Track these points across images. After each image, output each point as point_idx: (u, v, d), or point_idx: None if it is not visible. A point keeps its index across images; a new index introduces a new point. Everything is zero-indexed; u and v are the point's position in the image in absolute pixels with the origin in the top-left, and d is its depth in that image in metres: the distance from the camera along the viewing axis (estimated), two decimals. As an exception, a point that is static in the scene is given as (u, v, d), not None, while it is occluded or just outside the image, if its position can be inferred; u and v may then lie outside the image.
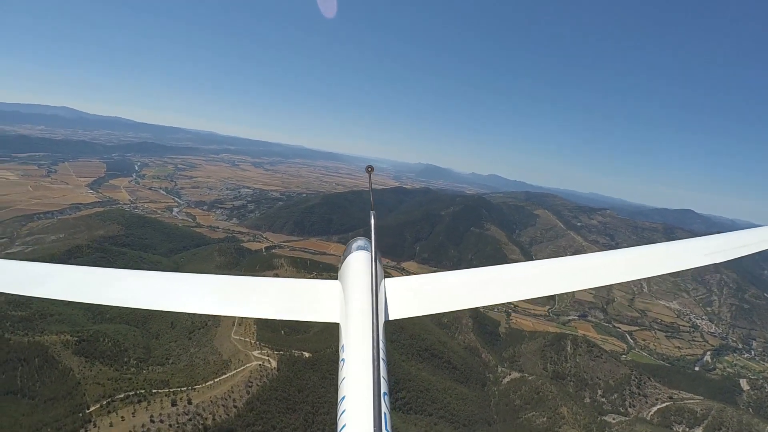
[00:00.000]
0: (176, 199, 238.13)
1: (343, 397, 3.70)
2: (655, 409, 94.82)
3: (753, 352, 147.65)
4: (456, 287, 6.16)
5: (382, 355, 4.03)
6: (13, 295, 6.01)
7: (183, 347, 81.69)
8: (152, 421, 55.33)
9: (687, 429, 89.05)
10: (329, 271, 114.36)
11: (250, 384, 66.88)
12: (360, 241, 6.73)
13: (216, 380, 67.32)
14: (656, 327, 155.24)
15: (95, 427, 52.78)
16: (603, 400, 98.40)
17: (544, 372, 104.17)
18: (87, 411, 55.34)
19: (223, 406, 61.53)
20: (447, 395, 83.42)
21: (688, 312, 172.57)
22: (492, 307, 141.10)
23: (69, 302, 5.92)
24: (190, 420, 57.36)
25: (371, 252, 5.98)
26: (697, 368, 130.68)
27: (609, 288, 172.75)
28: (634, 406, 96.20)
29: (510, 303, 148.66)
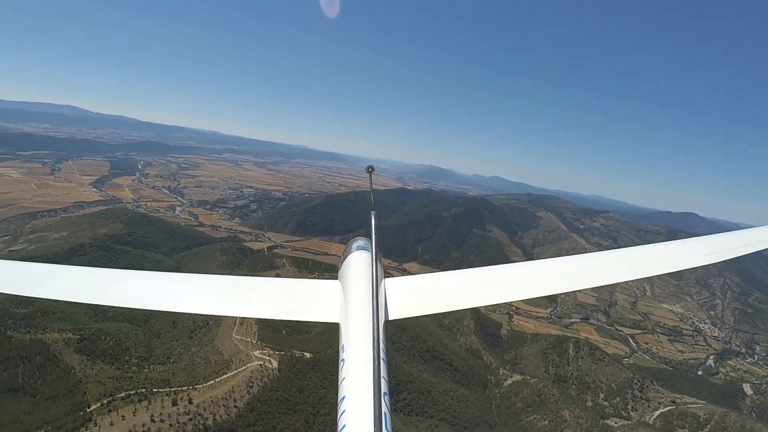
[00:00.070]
0: (179, 198, 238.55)
1: (344, 397, 3.69)
2: (657, 413, 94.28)
3: (756, 357, 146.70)
4: (456, 287, 6.16)
5: (382, 355, 4.05)
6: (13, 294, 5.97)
7: (184, 346, 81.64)
8: (153, 421, 55.26)
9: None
10: (331, 271, 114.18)
11: (251, 384, 66.79)
12: (360, 241, 6.74)
13: (217, 380, 67.26)
14: (659, 330, 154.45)
15: (96, 426, 52.76)
16: (605, 403, 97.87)
17: (546, 375, 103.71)
18: (88, 410, 55.32)
19: (223, 406, 61.44)
20: (448, 397, 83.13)
21: (691, 316, 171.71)
22: (494, 309, 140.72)
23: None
24: (190, 420, 57.28)
25: (371, 252, 5.99)
26: (700, 372, 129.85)
27: (611, 291, 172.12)
28: (636, 410, 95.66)
29: (512, 305, 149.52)
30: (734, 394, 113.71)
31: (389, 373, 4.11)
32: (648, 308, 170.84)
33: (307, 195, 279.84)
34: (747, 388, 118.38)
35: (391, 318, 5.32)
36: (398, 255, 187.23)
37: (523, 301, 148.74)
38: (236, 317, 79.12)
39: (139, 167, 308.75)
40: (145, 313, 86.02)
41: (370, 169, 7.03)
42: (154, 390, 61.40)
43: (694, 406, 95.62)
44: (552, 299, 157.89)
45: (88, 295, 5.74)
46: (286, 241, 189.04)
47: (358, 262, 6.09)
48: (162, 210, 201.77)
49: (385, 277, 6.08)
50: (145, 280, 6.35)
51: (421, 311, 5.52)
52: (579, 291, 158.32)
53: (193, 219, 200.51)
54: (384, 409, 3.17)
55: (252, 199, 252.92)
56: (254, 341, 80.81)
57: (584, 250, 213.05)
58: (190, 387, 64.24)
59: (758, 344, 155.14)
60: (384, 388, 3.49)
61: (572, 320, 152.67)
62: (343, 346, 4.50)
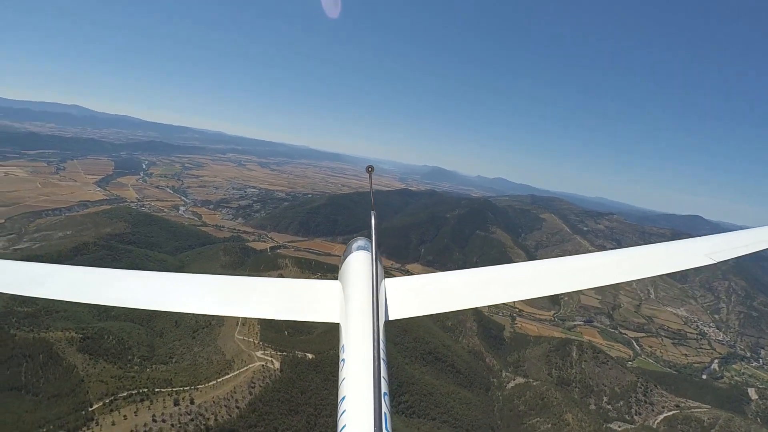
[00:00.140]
0: (183, 197, 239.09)
1: (344, 398, 3.71)
2: (661, 417, 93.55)
3: (761, 361, 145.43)
4: (456, 287, 6.19)
5: (382, 355, 4.05)
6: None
7: (187, 346, 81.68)
8: (154, 421, 55.26)
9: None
10: (333, 271, 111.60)
11: (252, 385, 66.70)
12: (360, 241, 6.76)
13: (219, 380, 67.27)
14: (663, 334, 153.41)
15: (98, 425, 52.82)
16: (608, 407, 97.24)
17: (549, 378, 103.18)
18: (90, 409, 55.39)
19: (225, 406, 61.35)
20: (450, 399, 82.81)
21: (695, 319, 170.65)
22: (497, 311, 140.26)
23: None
24: (192, 420, 57.22)
25: (371, 252, 6.01)
26: (704, 376, 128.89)
27: (615, 293, 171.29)
28: (640, 414, 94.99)
29: (515, 307, 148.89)
30: (739, 399, 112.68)
31: (389, 373, 4.10)
32: (652, 311, 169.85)
33: (310, 195, 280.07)
34: (752, 393, 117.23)
35: (391, 318, 5.31)
36: (401, 256, 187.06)
37: (525, 303, 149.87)
38: (238, 317, 79.29)
39: (144, 167, 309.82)
40: (147, 313, 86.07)
41: (369, 169, 7.04)
42: (156, 390, 61.48)
43: (699, 410, 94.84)
44: (555, 301, 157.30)
45: (88, 295, 5.75)
46: (288, 242, 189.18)
47: (358, 262, 6.11)
48: (166, 209, 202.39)
49: (386, 277, 6.07)
50: (145, 280, 6.36)
51: (421, 311, 5.53)
52: (580, 292, 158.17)
53: (196, 219, 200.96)
54: (384, 409, 3.17)
55: (255, 199, 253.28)
56: (256, 342, 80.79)
57: (588, 252, 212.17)
58: (192, 387, 64.29)
59: (763, 348, 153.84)
60: (384, 388, 3.49)
61: (575, 323, 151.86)
62: (343, 347, 4.50)
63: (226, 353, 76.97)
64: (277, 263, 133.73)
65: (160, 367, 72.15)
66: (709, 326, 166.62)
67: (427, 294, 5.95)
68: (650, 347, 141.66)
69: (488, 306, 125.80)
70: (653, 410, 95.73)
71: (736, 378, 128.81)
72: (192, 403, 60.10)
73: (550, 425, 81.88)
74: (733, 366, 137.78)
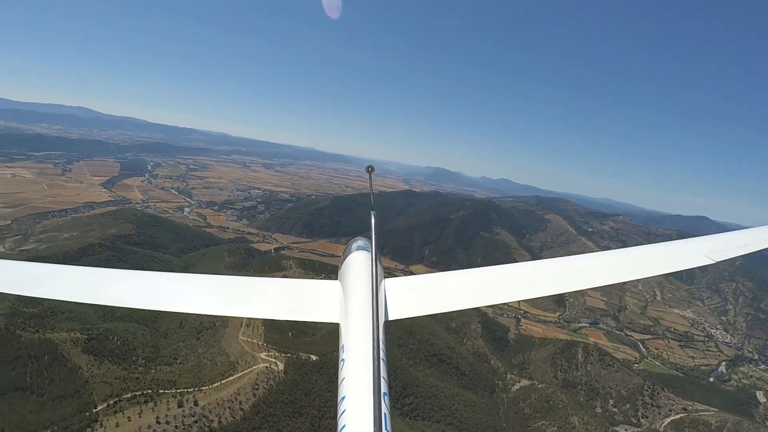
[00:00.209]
0: (187, 199, 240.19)
1: (343, 398, 3.73)
2: (668, 420, 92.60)
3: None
4: (456, 287, 6.20)
5: (382, 355, 4.06)
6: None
7: (191, 347, 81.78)
8: (158, 422, 55.20)
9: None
10: (336, 272, 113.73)
11: (256, 386, 66.57)
12: (360, 241, 6.81)
13: (223, 382, 67.13)
14: (669, 336, 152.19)
15: (102, 426, 52.83)
16: (615, 410, 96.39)
17: (555, 380, 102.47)
18: (94, 410, 55.46)
19: (229, 408, 61.24)
20: (455, 402, 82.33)
21: (702, 321, 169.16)
22: (501, 313, 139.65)
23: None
24: (196, 422, 57.15)
25: (371, 252, 6.03)
26: (711, 379, 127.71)
27: (621, 295, 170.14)
28: (646, 417, 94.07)
29: (519, 309, 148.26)
30: (747, 402, 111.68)
31: (389, 373, 4.11)
32: (658, 313, 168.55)
33: (314, 196, 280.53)
34: (760, 396, 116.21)
35: (391, 318, 5.33)
36: (405, 257, 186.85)
37: (530, 304, 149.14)
38: (242, 318, 79.32)
39: (149, 168, 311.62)
40: (152, 314, 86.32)
41: (369, 169, 7.09)
42: (160, 391, 61.42)
43: (706, 413, 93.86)
44: (560, 303, 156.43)
45: (88, 295, 5.75)
46: (293, 243, 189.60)
47: (358, 262, 6.14)
48: (171, 211, 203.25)
49: (387, 277, 6.10)
50: (146, 280, 6.38)
51: (421, 311, 5.54)
52: (585, 293, 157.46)
53: (201, 220, 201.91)
54: (384, 409, 3.18)
55: (260, 200, 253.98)
56: (260, 343, 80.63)
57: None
58: (196, 388, 64.20)
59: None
60: (384, 388, 3.51)
61: (581, 325, 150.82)
62: (343, 346, 4.52)
63: (230, 355, 76.90)
64: (281, 264, 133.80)
65: (164, 368, 72.23)
66: (716, 328, 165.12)
67: (427, 294, 5.95)
68: (657, 349, 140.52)
69: (489, 306, 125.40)
70: (660, 413, 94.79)
71: (743, 381, 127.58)
72: (196, 404, 60.02)
73: (555, 428, 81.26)
74: (741, 368, 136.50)
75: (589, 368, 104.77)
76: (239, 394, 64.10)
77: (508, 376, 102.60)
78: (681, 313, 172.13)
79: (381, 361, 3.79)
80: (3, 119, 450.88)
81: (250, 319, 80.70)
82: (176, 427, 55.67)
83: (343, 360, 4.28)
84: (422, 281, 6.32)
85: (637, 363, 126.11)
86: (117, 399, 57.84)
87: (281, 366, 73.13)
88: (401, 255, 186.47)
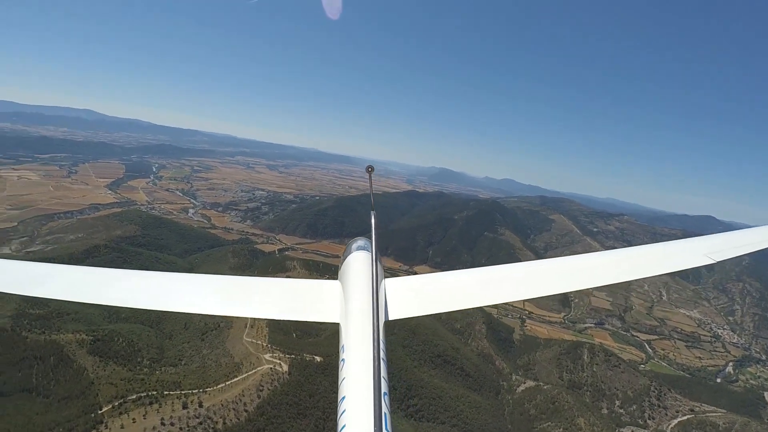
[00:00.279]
0: (192, 200, 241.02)
1: (344, 398, 3.78)
2: (675, 421, 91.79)
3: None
4: (456, 287, 6.21)
5: (382, 355, 4.06)
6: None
7: (196, 348, 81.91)
8: (163, 424, 55.28)
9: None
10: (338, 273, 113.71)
11: (261, 388, 66.55)
12: (360, 241, 6.82)
13: (227, 383, 67.19)
14: (676, 336, 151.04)
15: (107, 428, 52.95)
16: (621, 411, 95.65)
17: (560, 381, 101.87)
18: (99, 411, 55.62)
19: (233, 409, 61.27)
20: (460, 403, 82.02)
21: (709, 321, 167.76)
22: (506, 314, 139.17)
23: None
24: (200, 423, 57.20)
25: (371, 252, 6.03)
26: (718, 380, 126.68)
27: (627, 295, 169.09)
28: (653, 419, 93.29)
29: (524, 309, 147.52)
30: (755, 403, 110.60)
31: (390, 373, 4.12)
32: (665, 313, 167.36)
33: (317, 197, 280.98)
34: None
35: (391, 318, 5.32)
36: (408, 258, 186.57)
37: (535, 305, 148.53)
38: (246, 319, 79.39)
39: (154, 170, 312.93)
40: (157, 315, 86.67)
41: (369, 169, 7.15)
42: (165, 392, 61.52)
43: (714, 414, 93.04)
44: (565, 303, 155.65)
45: (89, 294, 5.73)
46: (296, 244, 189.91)
47: (358, 262, 6.12)
48: (175, 212, 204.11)
49: (387, 277, 6.09)
50: (146, 280, 6.37)
51: (421, 311, 5.53)
52: (591, 293, 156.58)
53: (205, 221, 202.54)
54: (384, 409, 3.17)
55: (264, 201, 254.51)
56: (265, 344, 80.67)
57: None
58: (201, 390, 64.30)
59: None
60: (384, 388, 3.51)
61: (586, 325, 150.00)
62: (343, 346, 4.58)
63: (235, 356, 76.98)
64: (285, 265, 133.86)
65: (169, 369, 72.41)
66: (723, 328, 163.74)
67: (427, 294, 5.95)
68: (663, 350, 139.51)
69: (493, 307, 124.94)
70: (667, 414, 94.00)
71: (751, 381, 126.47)
72: (200, 406, 60.09)
73: (561, 430, 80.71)
74: (748, 369, 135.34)
75: (594, 369, 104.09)
76: (244, 396, 64.13)
77: (513, 377, 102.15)
78: (687, 314, 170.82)
79: (381, 361, 3.78)
80: (9, 122, 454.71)
81: (254, 319, 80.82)
82: (181, 428, 55.73)
83: (343, 360, 4.31)
84: (422, 281, 6.31)
85: (643, 364, 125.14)
86: (122, 400, 57.98)
87: (285, 367, 73.12)
88: (405, 256, 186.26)
